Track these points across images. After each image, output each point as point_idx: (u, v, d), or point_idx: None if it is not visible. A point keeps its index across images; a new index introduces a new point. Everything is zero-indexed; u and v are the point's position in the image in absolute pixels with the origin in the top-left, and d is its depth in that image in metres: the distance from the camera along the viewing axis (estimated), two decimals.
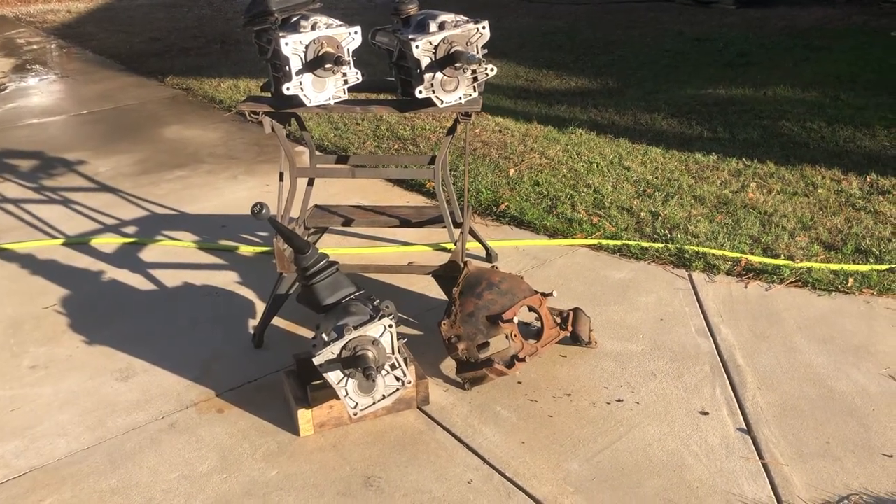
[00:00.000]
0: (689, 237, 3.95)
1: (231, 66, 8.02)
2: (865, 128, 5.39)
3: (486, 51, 2.91)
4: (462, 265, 3.12)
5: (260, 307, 3.52)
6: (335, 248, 4.03)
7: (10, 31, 10.60)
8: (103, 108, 6.82)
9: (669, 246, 3.87)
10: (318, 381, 2.68)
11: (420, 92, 2.86)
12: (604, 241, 3.97)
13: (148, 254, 4.07)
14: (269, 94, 3.14)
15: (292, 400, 2.75)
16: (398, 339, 2.62)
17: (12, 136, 6.12)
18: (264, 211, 2.57)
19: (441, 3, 3.43)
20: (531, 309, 3.01)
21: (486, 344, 2.94)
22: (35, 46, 9.62)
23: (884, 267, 3.61)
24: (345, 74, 2.91)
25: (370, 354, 2.53)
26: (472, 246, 3.89)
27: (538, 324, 3.05)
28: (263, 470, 2.58)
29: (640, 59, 7.62)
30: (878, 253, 3.73)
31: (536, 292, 3.02)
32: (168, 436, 2.75)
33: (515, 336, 2.91)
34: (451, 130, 3.16)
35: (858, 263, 3.67)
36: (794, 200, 4.33)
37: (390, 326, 2.59)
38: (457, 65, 2.83)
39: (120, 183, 5.05)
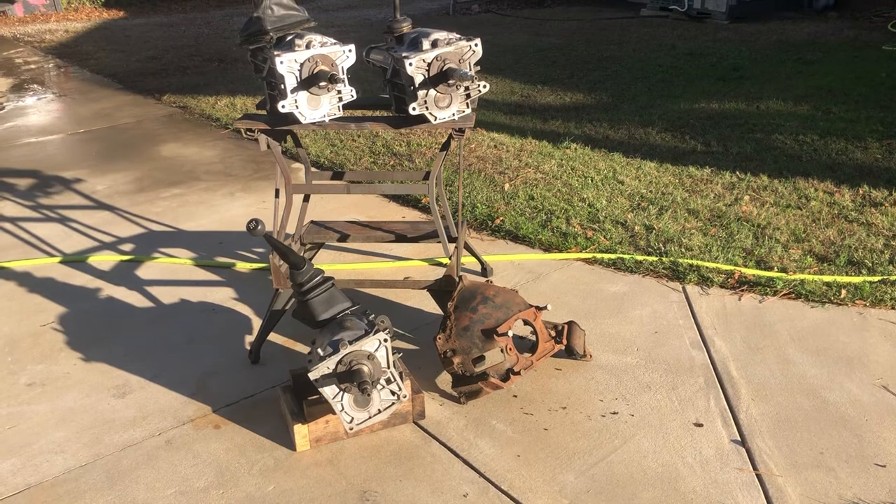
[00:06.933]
0: (683, 250, 3.97)
1: (228, 84, 8.07)
2: (857, 140, 5.44)
3: (478, 68, 2.94)
4: (457, 279, 3.14)
5: (256, 323, 3.54)
6: (331, 263, 4.05)
7: (9, 51, 10.66)
8: (100, 127, 6.86)
9: (664, 259, 3.90)
10: (314, 397, 2.70)
11: (413, 109, 2.90)
12: (598, 255, 3.99)
13: (145, 271, 4.08)
14: (265, 112, 3.18)
15: (288, 415, 2.76)
16: (393, 354, 2.63)
17: (10, 154, 6.15)
18: (260, 227, 2.59)
19: (435, 22, 3.47)
20: (526, 322, 3.02)
21: (482, 357, 2.95)
22: (33, 66, 9.67)
23: (876, 278, 3.64)
24: (339, 92, 2.95)
25: (366, 369, 2.54)
26: (468, 260, 3.91)
27: (533, 337, 3.07)
28: (260, 485, 2.58)
29: (634, 74, 7.68)
30: (870, 264, 3.76)
31: (531, 306, 3.04)
32: (165, 452, 2.75)
33: (510, 349, 2.92)
34: (446, 146, 3.19)
35: (851, 275, 3.69)
36: (787, 213, 4.36)
37: (385, 341, 2.60)
38: (450, 82, 2.86)
39: (117, 201, 5.08)
